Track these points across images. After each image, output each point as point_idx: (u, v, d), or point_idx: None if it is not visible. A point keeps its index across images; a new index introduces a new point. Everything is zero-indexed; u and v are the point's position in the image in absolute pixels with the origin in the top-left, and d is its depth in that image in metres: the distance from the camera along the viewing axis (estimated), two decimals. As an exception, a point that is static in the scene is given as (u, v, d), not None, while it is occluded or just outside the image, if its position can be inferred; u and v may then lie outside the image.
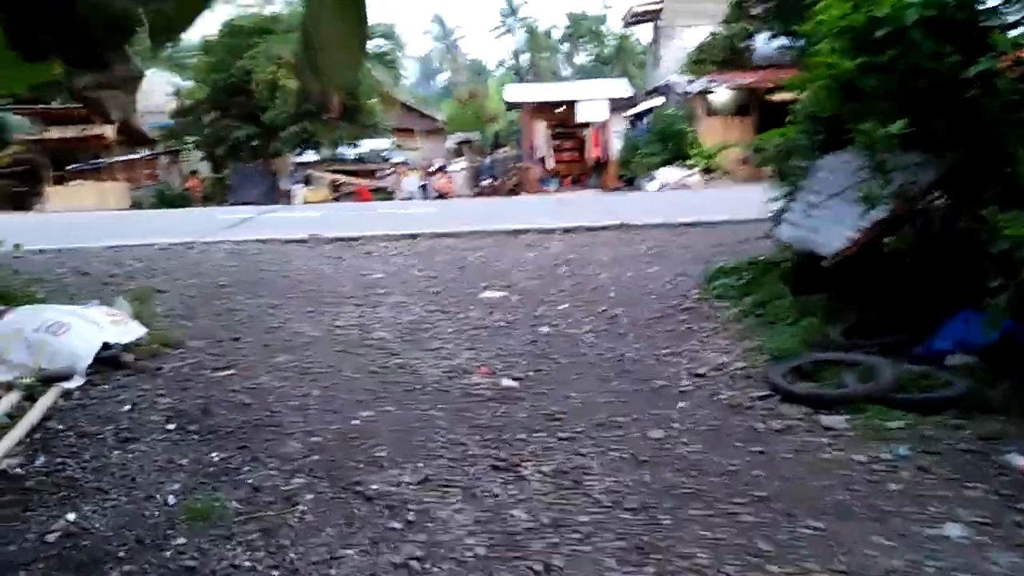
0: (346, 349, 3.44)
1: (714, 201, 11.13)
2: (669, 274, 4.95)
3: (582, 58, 65.47)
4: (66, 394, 2.73)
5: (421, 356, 3.31)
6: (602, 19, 63.70)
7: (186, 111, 21.67)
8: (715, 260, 5.27)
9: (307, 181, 19.39)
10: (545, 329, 3.77)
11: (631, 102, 24.59)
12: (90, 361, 2.89)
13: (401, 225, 8.08)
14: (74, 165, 21.79)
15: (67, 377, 2.81)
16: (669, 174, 17.71)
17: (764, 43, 22.15)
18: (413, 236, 6.75)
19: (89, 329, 3.02)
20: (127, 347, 3.22)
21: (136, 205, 21.54)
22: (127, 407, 2.67)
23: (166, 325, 3.82)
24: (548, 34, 66.84)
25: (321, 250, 6.35)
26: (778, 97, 19.52)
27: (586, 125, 20.17)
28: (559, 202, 11.72)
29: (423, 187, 24.33)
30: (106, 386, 2.87)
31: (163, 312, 4.12)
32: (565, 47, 66.63)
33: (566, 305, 4.26)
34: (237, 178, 20.57)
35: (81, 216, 12.78)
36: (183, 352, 3.37)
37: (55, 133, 18.57)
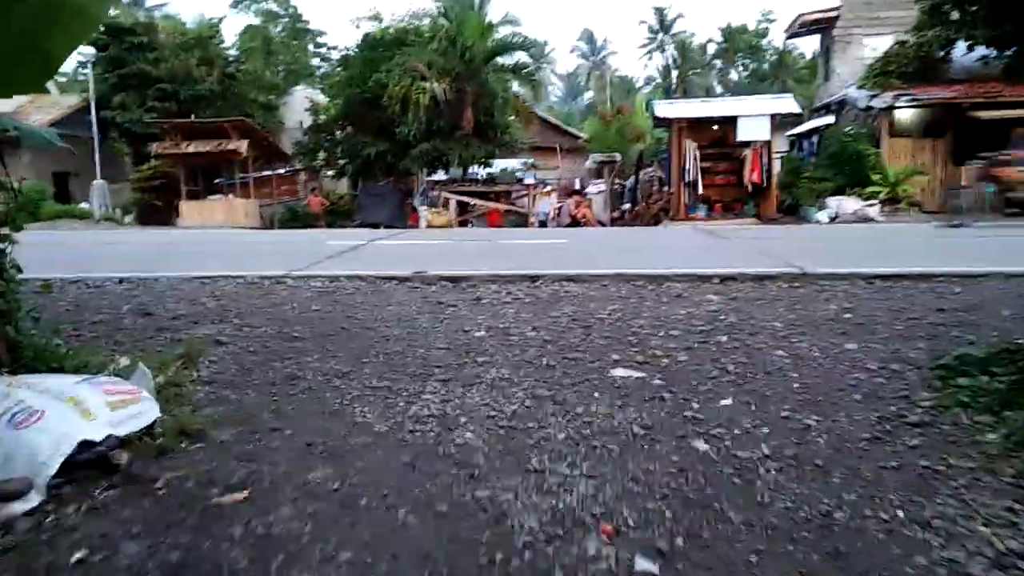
0: (414, 461, 2.57)
1: (908, 240, 9.48)
2: (876, 356, 3.72)
3: (736, 75, 63.17)
4: (4, 526, 2.04)
5: (515, 486, 2.37)
6: (763, 32, 61.27)
7: (320, 127, 22.37)
8: (943, 338, 4.00)
9: (433, 203, 19.22)
10: (701, 445, 2.71)
11: (795, 120, 22.74)
12: (54, 469, 2.20)
13: (523, 261, 7.26)
14: (218, 180, 23.15)
15: (21, 493, 2.13)
16: (844, 203, 15.84)
17: (963, 53, 19.71)
18: (533, 279, 5.87)
19: (67, 419, 2.34)
20: (128, 439, 2.54)
21: (267, 222, 22.45)
22: (79, 554, 1.94)
23: (201, 399, 3.16)
24: (703, 49, 65.21)
25: (423, 292, 5.61)
26: (986, 114, 17.12)
27: (744, 145, 18.63)
28: (712, 235, 10.46)
29: (558, 209, 23.70)
30: (71, 509, 2.17)
31: (208, 376, 3.48)
32: (718, 63, 64.74)
33: (729, 400, 3.17)
34: (365, 196, 20.86)
35: (199, 235, 13.11)
36: (200, 449, 2.64)
37: (192, 147, 19.65)
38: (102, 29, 25.83)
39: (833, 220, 15.81)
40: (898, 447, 2.63)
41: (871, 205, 15.46)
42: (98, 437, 2.40)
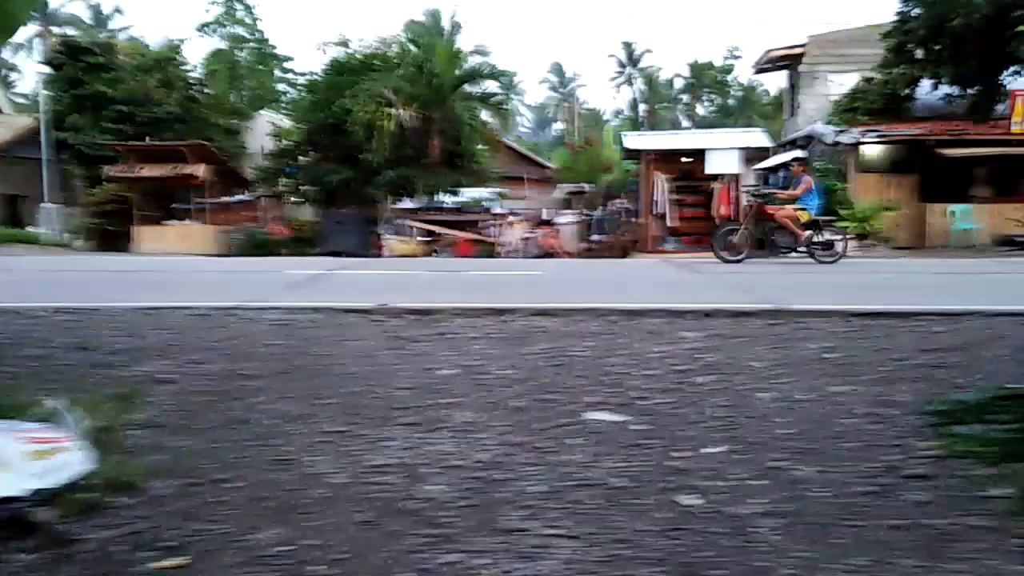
0: (376, 520, 2.33)
1: (884, 275, 9.53)
2: (866, 400, 3.59)
3: (703, 109, 64.68)
4: None
5: (488, 549, 2.15)
6: (728, 69, 62.93)
7: (283, 152, 22.07)
8: (929, 380, 3.90)
9: (399, 231, 19.00)
10: (688, 499, 2.52)
11: (762, 155, 23.07)
12: (-49, 536, 1.92)
13: (492, 294, 7.08)
14: (177, 205, 22.63)
15: (-92, 565, 1.85)
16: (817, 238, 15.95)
17: (927, 91, 20.28)
18: (502, 313, 5.68)
19: (-27, 475, 2.06)
20: (52, 493, 2.26)
21: (227, 248, 21.94)
22: (-30, 641, 1.66)
23: (138, 445, 2.88)
24: (670, 84, 66.62)
25: (386, 326, 5.38)
26: (952, 152, 17.55)
27: (714, 178, 18.82)
28: (684, 268, 10.41)
29: (527, 240, 23.60)
30: (-30, 582, 1.89)
31: (147, 419, 3.19)
32: (685, 97, 66.20)
33: (716, 448, 3.00)
34: (328, 224, 20.55)
35: (151, 261, 12.69)
36: (136, 504, 2.37)
37: (148, 171, 19.18)
38: (59, 48, 25.37)
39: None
40: (901, 503, 2.47)
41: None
42: (13, 492, 2.13)
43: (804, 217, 13.21)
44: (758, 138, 19.72)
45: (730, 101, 62.63)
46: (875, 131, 18.55)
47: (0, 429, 2.33)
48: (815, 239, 13.18)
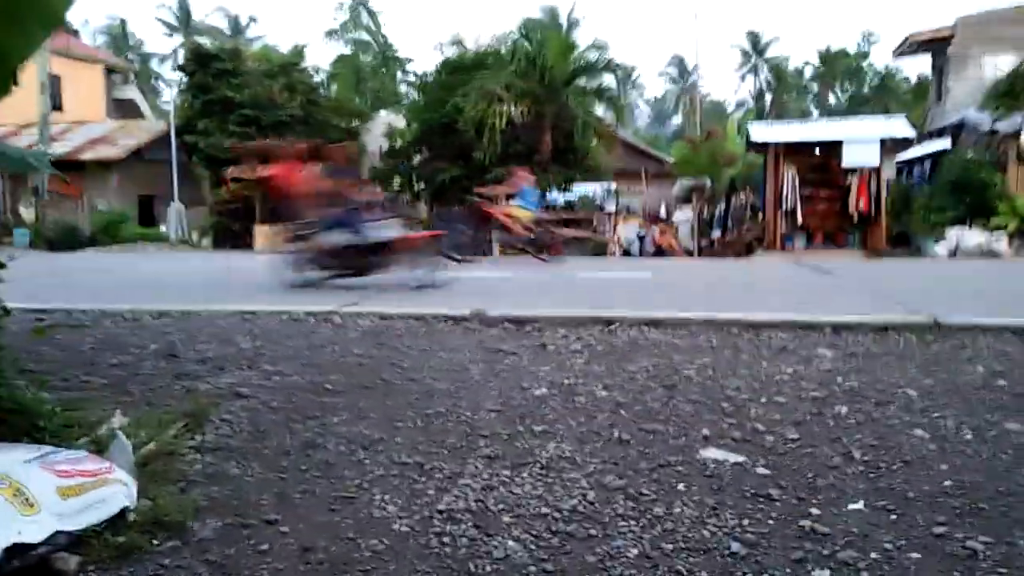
0: (434, 583, 2.00)
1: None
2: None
3: (835, 98, 61.24)
4: None
5: (564, 639, 1.76)
6: (863, 55, 59.40)
7: (396, 152, 22.41)
8: None
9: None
10: (828, 577, 2.03)
11: (902, 144, 21.27)
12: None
13: (598, 300, 6.64)
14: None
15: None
16: (965, 236, 14.46)
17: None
18: (608, 323, 5.23)
19: (-7, 516, 1.88)
20: (85, 534, 2.07)
21: (341, 247, 22.53)
22: None
23: (196, 473, 2.68)
24: (799, 73, 63.62)
25: (481, 335, 5.07)
26: None
27: (850, 171, 17.43)
28: (815, 270, 9.52)
29: (641, 238, 22.89)
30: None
31: (213, 441, 3.01)
32: (815, 86, 62.91)
33: (860, 503, 2.46)
34: (439, 223, 20.64)
35: (262, 260, 13.03)
36: (173, 549, 2.14)
37: (267, 172, 19.92)
38: (189, 55, 26.94)
39: (952, 254, 14.46)
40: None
41: (997, 239, 14.05)
42: (36, 537, 1.94)
43: (525, 216, 12.27)
44: (900, 127, 18.08)
45: (865, 90, 58.99)
46: (1040, 117, 16.58)
47: (33, 461, 2.16)
48: (532, 237, 12.35)
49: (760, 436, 3.10)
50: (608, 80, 19.57)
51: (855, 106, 55.71)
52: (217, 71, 25.91)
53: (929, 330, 4.81)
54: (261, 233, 20.58)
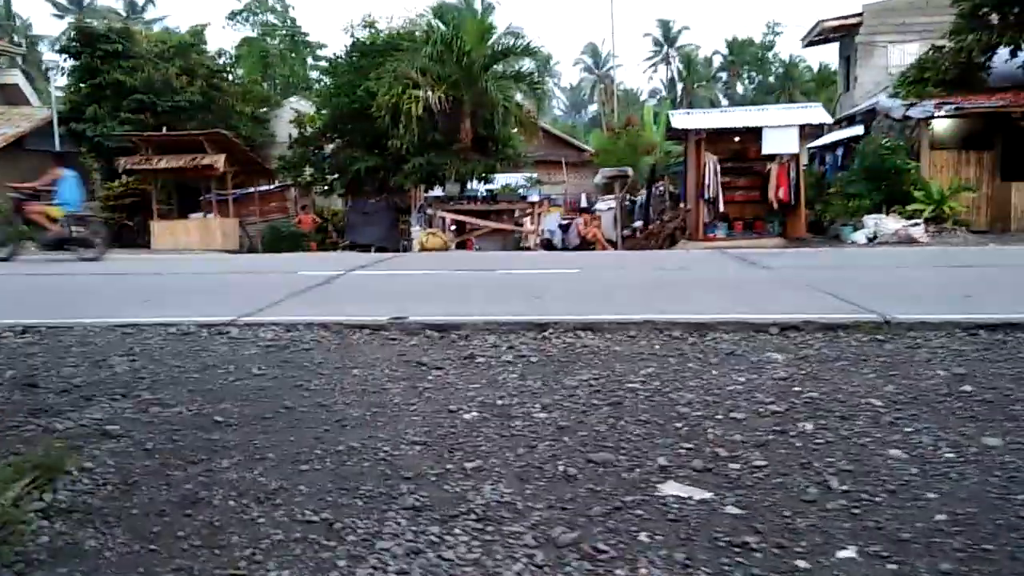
0: None
1: (983, 266, 8.40)
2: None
3: (743, 87, 63.45)
4: None
5: None
6: (769, 45, 61.79)
7: (306, 140, 21.44)
8: None
9: (429, 222, 18.23)
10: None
11: (813, 133, 21.84)
12: None
13: (528, 299, 6.24)
14: (204, 196, 22.22)
15: None
16: (884, 222, 14.83)
17: (1005, 59, 18.85)
18: (541, 328, 4.84)
19: None
20: None
21: (251, 243, 21.47)
22: None
23: (36, 550, 2.13)
24: (708, 62, 65.65)
25: (401, 346, 4.58)
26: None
27: (769, 159, 17.66)
28: (743, 261, 9.42)
29: (564, 227, 22.69)
30: None
31: (67, 500, 2.46)
32: (724, 76, 65.01)
33: (851, 551, 2.14)
34: (354, 215, 19.91)
35: (158, 262, 12.11)
36: None
37: (164, 162, 18.69)
38: (74, 35, 25.08)
39: (871, 241, 14.80)
40: None
41: (915, 224, 14.45)
42: None
43: (56, 213, 12.48)
44: (818, 114, 18.43)
45: (771, 78, 61.32)
46: (950, 103, 17.15)
47: None
48: (73, 235, 12.50)
49: (723, 464, 2.75)
50: (528, 65, 19.20)
51: (761, 94, 57.79)
52: (106, 53, 24.22)
53: (879, 329, 4.62)
54: (159, 229, 19.33)
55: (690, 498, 2.48)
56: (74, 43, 24.39)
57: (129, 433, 3.09)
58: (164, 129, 20.70)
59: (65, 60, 25.18)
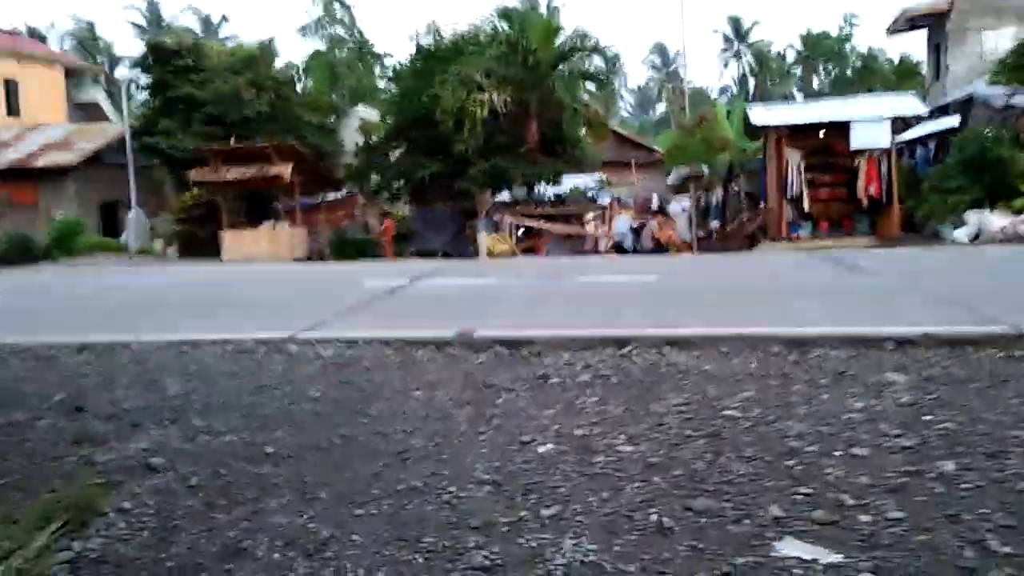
0: None
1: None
2: None
3: (819, 82, 61.66)
4: None
5: None
6: (846, 38, 59.92)
7: (371, 147, 21.53)
8: None
9: (497, 227, 17.98)
10: None
11: (902, 126, 20.65)
12: None
13: (604, 310, 5.86)
14: (276, 204, 22.57)
15: None
16: (988, 219, 13.80)
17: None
18: (620, 344, 4.46)
19: None
20: None
21: (316, 254, 21.66)
22: None
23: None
24: (781, 57, 64.01)
25: (468, 365, 4.28)
26: None
27: (857, 154, 16.77)
28: (840, 264, 8.78)
29: (636, 231, 22.15)
30: None
31: (98, 549, 2.22)
32: (798, 71, 63.25)
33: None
34: (420, 222, 19.84)
35: (226, 271, 12.19)
36: None
37: (232, 174, 19.02)
38: (148, 52, 25.93)
39: (974, 239, 13.80)
40: None
41: (1023, 221, 13.39)
42: None
43: None
44: (911, 104, 17.42)
45: (848, 72, 59.33)
46: (1061, 90, 15.94)
47: None
48: None
49: (851, 516, 2.32)
50: (596, 63, 18.75)
51: (838, 89, 55.88)
52: (177, 68, 24.96)
53: (1014, 344, 4.06)
54: (229, 239, 19.67)
55: (815, 561, 2.07)
56: (148, 59, 25.21)
57: (174, 465, 2.86)
58: (232, 140, 21.08)
59: (139, 76, 26.04)
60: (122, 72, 54.60)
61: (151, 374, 4.22)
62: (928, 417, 3.11)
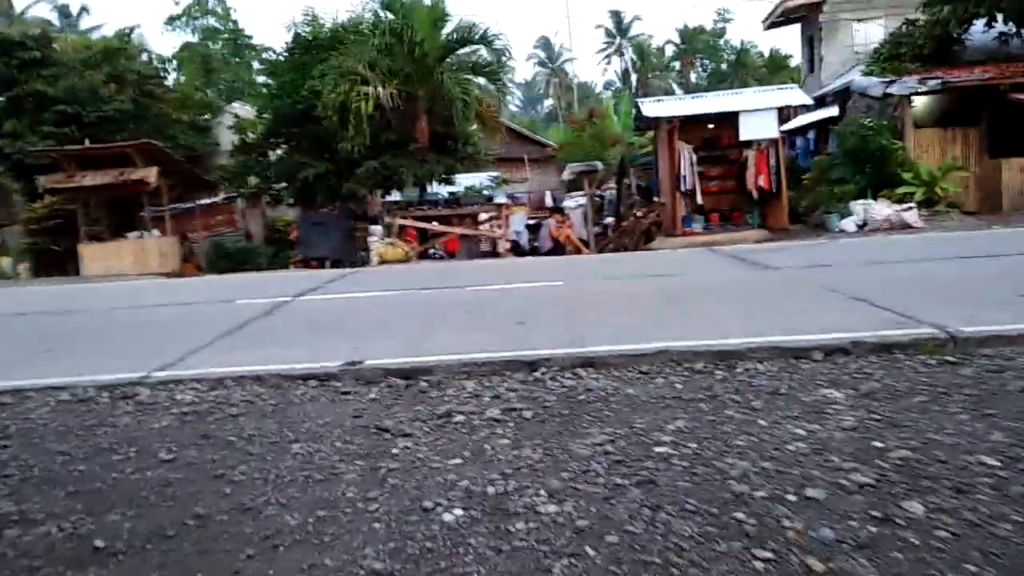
0: None
1: (1012, 255, 7.70)
2: None
3: (696, 75, 64.30)
4: None
5: None
6: (720, 32, 62.79)
7: (248, 147, 20.32)
8: None
9: (389, 231, 17.27)
10: None
11: (783, 115, 21.31)
12: None
13: (508, 323, 5.42)
14: (146, 211, 20.90)
15: None
16: (873, 208, 14.29)
17: (981, 31, 18.61)
18: (531, 366, 4.03)
19: None
20: None
21: (195, 263, 20.30)
22: None
23: None
24: (661, 52, 66.41)
25: (357, 403, 3.73)
26: (1026, 96, 15.82)
27: (745, 145, 17.09)
28: (740, 260, 8.69)
29: (533, 227, 21.93)
30: None
31: None
32: (677, 65, 65.78)
33: None
34: (305, 227, 18.84)
35: (77, 291, 11.01)
36: None
37: (89, 179, 17.45)
38: (-14, 45, 23.58)
39: (861, 228, 14.25)
40: None
41: (907, 209, 13.92)
42: None
43: None
44: (796, 95, 17.89)
45: (723, 66, 62.18)
46: (935, 78, 16.70)
47: None
48: None
49: (827, 588, 1.96)
50: (486, 55, 18.30)
51: (715, 82, 58.38)
52: (23, 61, 22.77)
53: (944, 347, 3.89)
54: (90, 254, 18.03)
55: (798, 663, 1.69)
56: (-12, 52, 22.91)
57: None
58: (87, 141, 19.36)
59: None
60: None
61: (-43, 438, 3.45)
62: (879, 444, 2.82)
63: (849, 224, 14.49)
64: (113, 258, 17.51)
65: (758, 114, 16.19)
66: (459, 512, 2.50)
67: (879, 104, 18.40)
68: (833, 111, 21.66)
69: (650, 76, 64.53)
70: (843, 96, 22.08)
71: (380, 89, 15.55)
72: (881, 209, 14.14)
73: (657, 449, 2.90)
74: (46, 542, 2.43)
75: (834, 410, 3.18)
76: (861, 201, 14.89)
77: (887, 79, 18.01)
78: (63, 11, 52.50)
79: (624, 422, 3.21)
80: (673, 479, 2.64)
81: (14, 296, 10.80)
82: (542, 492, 2.60)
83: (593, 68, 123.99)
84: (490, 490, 2.64)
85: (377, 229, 17.11)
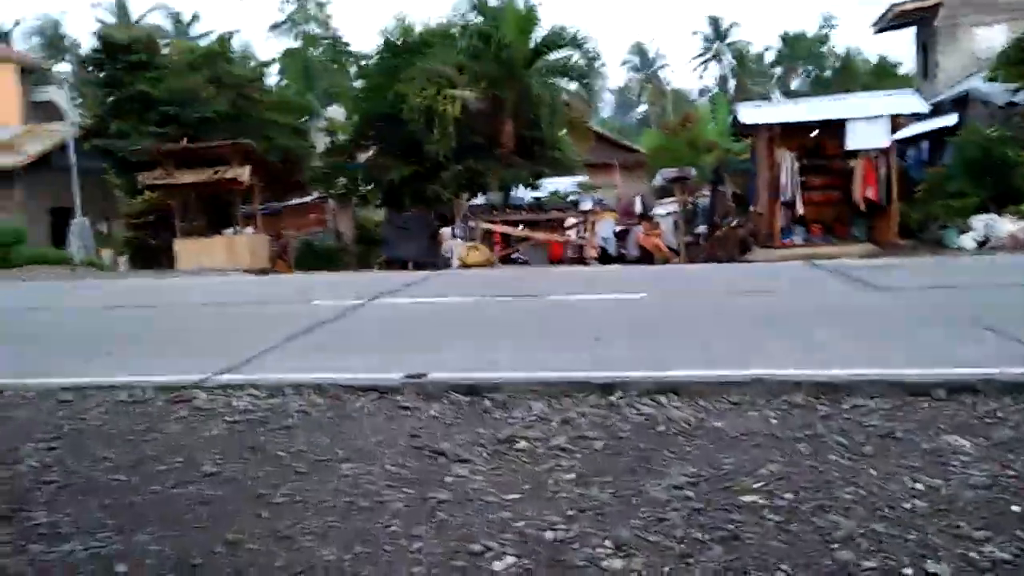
0: None
1: None
2: None
3: (797, 82, 62.24)
4: None
5: None
6: (823, 39, 60.66)
7: (337, 149, 20.66)
8: None
9: (471, 234, 17.18)
10: None
11: (896, 124, 20.08)
12: None
13: (584, 339, 5.10)
14: (242, 209, 21.60)
15: None
16: (997, 224, 13.22)
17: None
18: (606, 390, 3.71)
19: None
20: None
21: (282, 263, 20.77)
22: None
23: None
24: (760, 58, 64.71)
25: (415, 420, 3.51)
26: None
27: (851, 155, 16.18)
28: (845, 278, 8.07)
29: (620, 234, 21.42)
30: None
31: None
32: (777, 71, 63.86)
33: None
34: (389, 228, 19.00)
35: (164, 285, 11.31)
36: None
37: (186, 177, 18.08)
38: (97, 47, 24.88)
39: (982, 246, 13.22)
40: None
41: (1036, 227, 12.82)
42: None
43: None
44: (911, 102, 16.82)
45: (827, 73, 59.94)
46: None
47: None
48: None
49: None
50: (576, 58, 18.00)
51: (817, 89, 56.26)
52: (129, 64, 23.89)
53: None
54: (184, 249, 18.67)
55: None
56: (98, 54, 24.16)
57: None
58: (184, 140, 20.09)
59: (91, 71, 24.98)
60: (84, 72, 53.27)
61: (10, 437, 3.41)
62: (1017, 509, 2.37)
63: (968, 241, 13.48)
64: (206, 254, 18.07)
65: (868, 122, 15.27)
66: (511, 560, 2.21)
67: (1002, 113, 17.13)
68: (950, 120, 20.34)
69: (749, 83, 63.04)
70: (961, 104, 20.75)
71: (467, 92, 15.47)
72: (1005, 225, 13.08)
73: (745, 498, 2.54)
74: (68, 562, 2.28)
75: (961, 462, 2.74)
76: (983, 216, 13.84)
77: (1015, 86, 16.76)
78: (176, 18, 55.34)
79: (708, 462, 2.86)
80: (763, 537, 2.28)
81: (105, 289, 11.21)
82: (607, 542, 2.29)
83: (688, 75, 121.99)
84: (548, 535, 2.35)
85: (448, 232, 17.04)
